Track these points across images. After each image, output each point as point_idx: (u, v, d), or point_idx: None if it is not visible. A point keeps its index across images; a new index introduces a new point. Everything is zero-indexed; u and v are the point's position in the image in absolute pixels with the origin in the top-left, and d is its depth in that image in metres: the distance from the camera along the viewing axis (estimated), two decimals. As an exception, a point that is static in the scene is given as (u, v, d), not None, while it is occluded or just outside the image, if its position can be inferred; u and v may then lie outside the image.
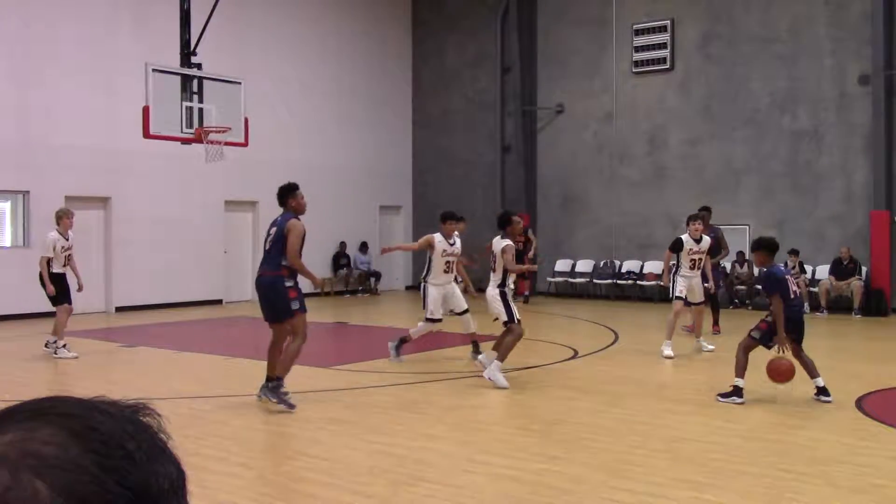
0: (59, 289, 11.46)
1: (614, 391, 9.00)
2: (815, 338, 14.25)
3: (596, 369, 10.53)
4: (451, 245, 10.69)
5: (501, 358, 9.19)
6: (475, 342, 10.72)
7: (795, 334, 8.41)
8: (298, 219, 8.04)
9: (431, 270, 10.61)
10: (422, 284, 10.76)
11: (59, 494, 0.62)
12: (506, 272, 9.42)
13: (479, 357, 10.02)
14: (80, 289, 11.76)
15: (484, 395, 8.80)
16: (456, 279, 11.04)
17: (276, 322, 8.12)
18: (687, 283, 11.52)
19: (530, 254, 17.55)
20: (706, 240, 11.72)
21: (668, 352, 11.17)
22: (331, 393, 8.95)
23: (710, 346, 11.68)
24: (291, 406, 7.87)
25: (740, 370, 8.35)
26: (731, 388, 8.33)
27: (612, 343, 12.81)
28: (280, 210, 8.24)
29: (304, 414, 7.94)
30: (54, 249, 11.46)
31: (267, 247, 8.09)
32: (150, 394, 8.74)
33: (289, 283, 7.96)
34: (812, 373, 8.38)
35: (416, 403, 8.51)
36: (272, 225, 8.18)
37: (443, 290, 10.64)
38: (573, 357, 11.36)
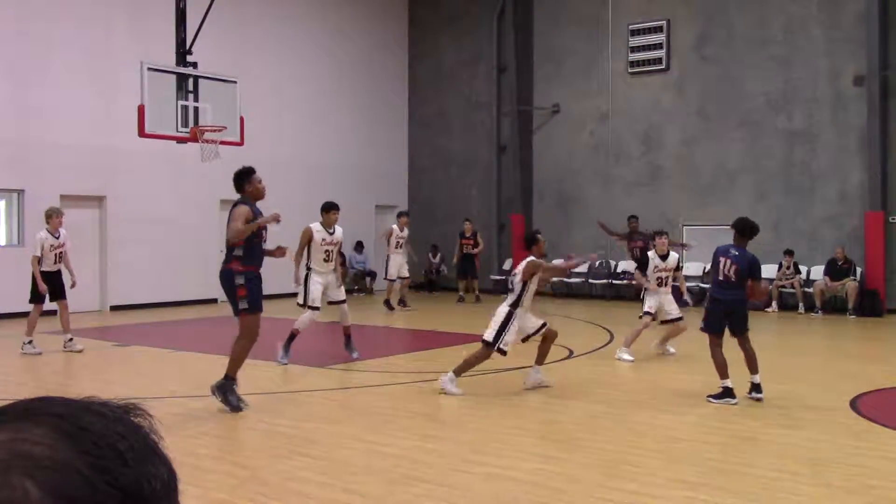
0: (50, 287, 11.59)
1: (609, 391, 9.01)
2: (810, 338, 14.33)
3: (591, 369, 10.54)
4: (331, 234, 10.75)
5: (459, 371, 8.70)
6: (348, 335, 10.91)
7: (730, 321, 8.47)
8: (247, 203, 7.81)
9: (311, 259, 10.66)
10: (305, 273, 10.74)
11: (49, 495, 0.62)
12: (522, 293, 8.83)
13: (355, 354, 10.78)
14: (72, 285, 11.83)
15: (479, 394, 8.80)
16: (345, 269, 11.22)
17: (235, 315, 7.93)
18: (657, 300, 11.16)
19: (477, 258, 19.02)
20: (673, 257, 11.36)
21: (626, 356, 10.91)
22: (326, 392, 8.95)
23: (672, 350, 11.37)
24: (236, 408, 7.67)
25: (722, 371, 8.32)
26: (721, 390, 8.30)
27: (608, 343, 12.82)
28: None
29: (299, 413, 7.93)
30: (42, 248, 11.58)
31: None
32: (144, 393, 8.72)
33: (239, 280, 7.71)
34: (752, 368, 8.40)
35: (410, 403, 8.50)
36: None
37: (324, 278, 10.72)
38: (568, 357, 11.36)
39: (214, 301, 18.71)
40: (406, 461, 6.24)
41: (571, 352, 11.68)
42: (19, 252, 16.12)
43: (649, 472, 5.94)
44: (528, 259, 8.89)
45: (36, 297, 11.61)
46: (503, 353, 8.74)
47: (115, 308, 17.26)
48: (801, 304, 17.10)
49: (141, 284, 17.60)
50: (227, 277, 7.79)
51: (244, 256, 7.71)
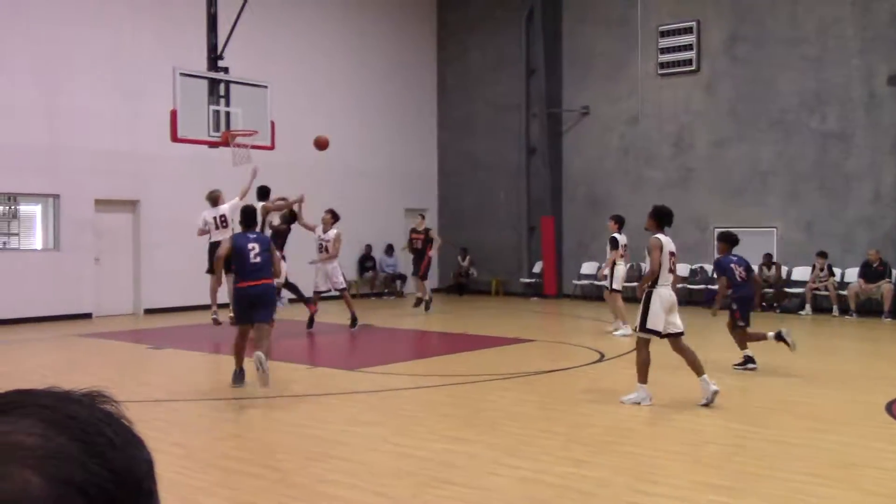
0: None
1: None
2: (844, 340, 14.16)
3: (622, 372, 10.49)
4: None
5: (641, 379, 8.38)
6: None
7: (742, 310, 10.37)
8: None
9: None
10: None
11: (50, 482, 0.64)
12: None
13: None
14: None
15: (510, 397, 8.80)
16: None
17: (260, 321, 9.13)
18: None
19: (431, 251, 17.60)
20: None
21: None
22: (356, 395, 9.00)
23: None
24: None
25: (743, 344, 10.30)
26: (744, 358, 10.20)
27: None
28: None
29: (329, 416, 7.98)
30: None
31: (259, 259, 9.10)
32: (177, 395, 8.83)
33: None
34: (741, 345, 10.34)
35: (441, 405, 8.52)
36: (252, 241, 9.24)
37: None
38: (599, 360, 11.33)
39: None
40: (436, 464, 6.26)
41: (602, 355, 11.65)
42: (55, 256, 16.38)
43: (678, 476, 5.91)
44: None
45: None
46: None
47: (148, 311, 17.45)
48: (835, 307, 16.90)
49: (174, 288, 17.77)
50: (273, 289, 9.70)
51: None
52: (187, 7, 16.74)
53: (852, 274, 17.12)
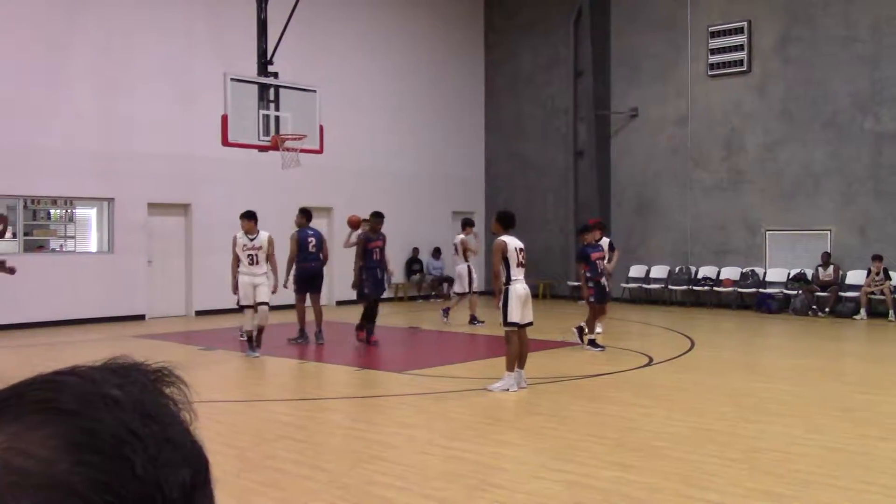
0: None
1: (690, 399, 8.86)
2: (900, 346, 13.83)
3: (671, 376, 10.38)
4: (251, 241, 12.14)
5: (509, 367, 9.19)
6: (257, 336, 12.00)
7: (599, 296, 12.55)
8: None
9: (240, 262, 12.17)
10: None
11: None
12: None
13: (255, 353, 11.81)
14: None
15: (558, 401, 8.76)
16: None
17: (315, 293, 13.24)
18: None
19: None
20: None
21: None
22: (404, 398, 9.02)
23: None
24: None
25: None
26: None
27: (688, 350, 12.61)
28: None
29: (378, 418, 8.01)
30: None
31: (314, 250, 13.02)
32: (228, 396, 8.94)
33: None
34: (591, 328, 12.31)
35: (489, 409, 8.51)
36: (311, 235, 13.14)
37: (252, 279, 12.08)
38: (648, 364, 11.22)
39: (293, 307, 18.99)
40: (484, 467, 6.25)
41: (651, 359, 11.53)
42: (109, 259, 16.69)
43: (731, 483, 5.82)
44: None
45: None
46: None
47: (200, 313, 17.69)
48: (891, 311, 16.54)
49: (224, 290, 17.92)
50: (321, 271, 13.49)
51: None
52: (238, 13, 16.97)
53: (909, 278, 16.72)
